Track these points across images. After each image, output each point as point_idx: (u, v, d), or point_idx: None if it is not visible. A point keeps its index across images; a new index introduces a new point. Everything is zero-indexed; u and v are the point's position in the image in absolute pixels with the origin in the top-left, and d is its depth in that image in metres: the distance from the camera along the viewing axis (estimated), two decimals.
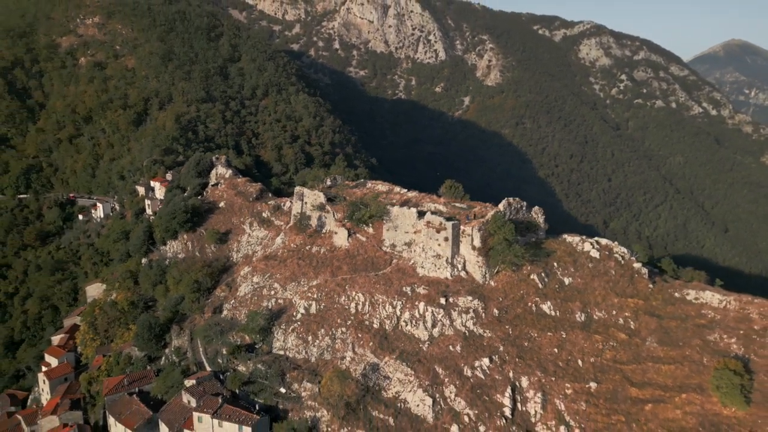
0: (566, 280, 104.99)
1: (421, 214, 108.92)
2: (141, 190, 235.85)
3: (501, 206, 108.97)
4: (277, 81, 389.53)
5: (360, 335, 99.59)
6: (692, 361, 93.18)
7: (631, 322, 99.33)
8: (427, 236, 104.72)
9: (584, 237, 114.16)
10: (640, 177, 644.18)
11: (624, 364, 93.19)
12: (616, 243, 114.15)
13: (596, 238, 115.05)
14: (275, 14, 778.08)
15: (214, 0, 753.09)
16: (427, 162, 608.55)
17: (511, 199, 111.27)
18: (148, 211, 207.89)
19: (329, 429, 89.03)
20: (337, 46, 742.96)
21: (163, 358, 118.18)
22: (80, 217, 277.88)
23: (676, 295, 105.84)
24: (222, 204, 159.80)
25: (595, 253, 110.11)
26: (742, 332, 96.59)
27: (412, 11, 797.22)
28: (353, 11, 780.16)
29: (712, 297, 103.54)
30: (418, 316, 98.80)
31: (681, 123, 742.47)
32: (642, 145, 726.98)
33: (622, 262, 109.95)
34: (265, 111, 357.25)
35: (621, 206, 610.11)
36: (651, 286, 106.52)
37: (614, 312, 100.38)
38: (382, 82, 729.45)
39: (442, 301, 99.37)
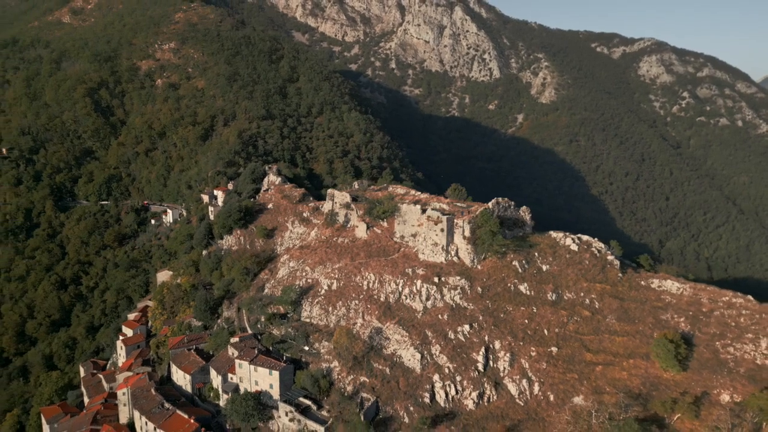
0: (544, 267, 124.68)
1: (425, 211, 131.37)
2: (205, 198, 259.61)
3: (490, 204, 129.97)
4: (332, 100, 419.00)
5: (369, 306, 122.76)
6: (643, 335, 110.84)
7: (596, 303, 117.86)
8: (428, 228, 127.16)
9: (567, 233, 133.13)
10: (701, 196, 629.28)
11: (584, 335, 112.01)
12: (595, 239, 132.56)
13: (579, 235, 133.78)
14: (335, 36, 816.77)
15: (279, 23, 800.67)
16: (478, 178, 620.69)
17: (500, 199, 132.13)
18: (211, 217, 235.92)
19: (339, 376, 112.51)
20: (393, 65, 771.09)
21: (216, 326, 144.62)
22: (152, 221, 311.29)
23: (642, 283, 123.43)
24: (270, 206, 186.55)
25: (574, 247, 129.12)
26: (691, 313, 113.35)
27: (467, 31, 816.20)
28: (410, 32, 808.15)
29: (671, 285, 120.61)
30: (415, 291, 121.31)
31: (747, 142, 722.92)
32: (704, 164, 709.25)
33: (598, 254, 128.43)
34: (319, 128, 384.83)
35: (679, 226, 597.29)
36: (620, 275, 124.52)
37: (582, 294, 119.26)
38: (436, 100, 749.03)
39: (436, 280, 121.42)
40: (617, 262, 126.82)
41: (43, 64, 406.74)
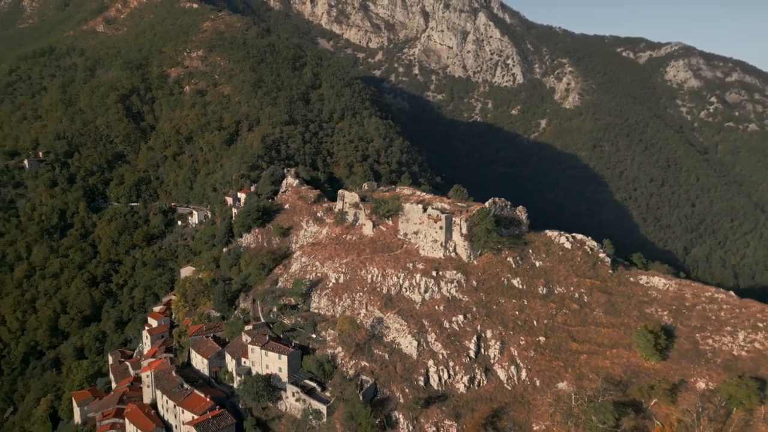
0: (537, 263, 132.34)
1: (426, 210, 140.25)
2: (229, 200, 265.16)
3: (487, 204, 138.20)
4: (353, 105, 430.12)
5: (372, 298, 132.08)
6: (628, 327, 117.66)
7: (585, 297, 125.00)
8: (428, 226, 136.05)
9: (563, 232, 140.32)
10: (728, 203, 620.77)
11: (571, 326, 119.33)
12: (589, 238, 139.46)
13: (573, 234, 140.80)
14: (360, 42, 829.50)
15: (305, 30, 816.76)
16: (500, 182, 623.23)
17: (496, 199, 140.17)
18: (234, 219, 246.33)
19: (343, 360, 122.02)
20: (416, 71, 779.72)
21: (232, 317, 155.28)
22: (179, 222, 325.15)
23: (631, 279, 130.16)
24: (287, 206, 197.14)
25: (567, 245, 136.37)
26: (674, 307, 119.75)
27: (491, 37, 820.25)
28: (433, 38, 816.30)
29: (658, 281, 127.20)
30: (415, 284, 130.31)
31: None
32: (732, 170, 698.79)
33: (590, 252, 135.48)
34: (340, 133, 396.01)
35: (705, 233, 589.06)
36: (610, 271, 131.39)
37: (572, 288, 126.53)
38: (458, 105, 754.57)
39: (434, 273, 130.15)
40: (608, 260, 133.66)
41: (78, 72, 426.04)
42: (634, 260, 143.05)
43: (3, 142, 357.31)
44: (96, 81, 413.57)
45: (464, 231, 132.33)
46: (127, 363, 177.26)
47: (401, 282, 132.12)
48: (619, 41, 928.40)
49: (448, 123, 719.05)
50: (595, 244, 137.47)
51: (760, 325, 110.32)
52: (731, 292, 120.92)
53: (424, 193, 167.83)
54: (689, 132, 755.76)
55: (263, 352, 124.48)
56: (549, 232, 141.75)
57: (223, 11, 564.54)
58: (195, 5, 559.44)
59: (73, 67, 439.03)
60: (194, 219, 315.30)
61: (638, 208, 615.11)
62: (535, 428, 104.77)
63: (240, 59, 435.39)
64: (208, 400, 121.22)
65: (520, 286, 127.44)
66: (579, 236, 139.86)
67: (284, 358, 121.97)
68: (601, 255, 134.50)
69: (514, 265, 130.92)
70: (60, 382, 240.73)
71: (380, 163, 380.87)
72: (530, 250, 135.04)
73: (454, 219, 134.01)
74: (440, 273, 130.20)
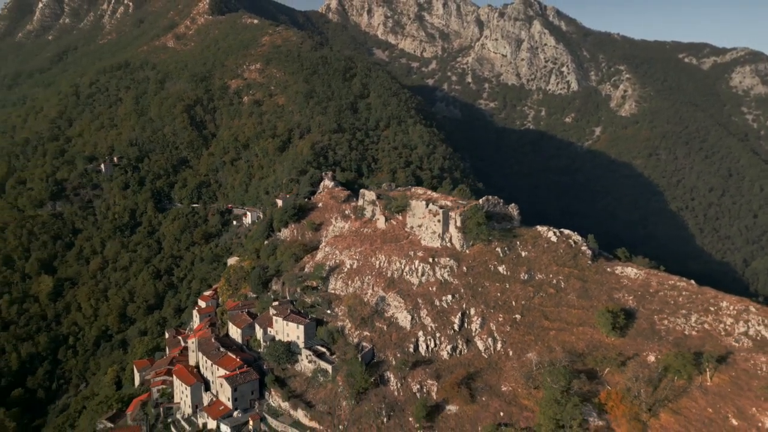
0: (523, 253, 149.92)
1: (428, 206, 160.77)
2: (279, 202, 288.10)
3: (481, 201, 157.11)
4: (398, 114, 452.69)
5: (377, 280, 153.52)
6: (596, 309, 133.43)
7: (562, 283, 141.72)
8: (429, 219, 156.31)
9: (551, 227, 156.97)
10: None
11: (545, 307, 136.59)
12: (575, 233, 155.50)
13: (561, 229, 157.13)
14: (414, 52, 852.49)
15: (361, 41, 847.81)
16: (552, 190, 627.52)
17: (489, 197, 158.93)
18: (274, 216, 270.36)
19: (349, 331, 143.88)
20: (469, 79, 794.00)
21: (264, 297, 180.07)
22: (234, 222, 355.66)
23: (608, 269, 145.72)
24: (320, 204, 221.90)
25: (554, 238, 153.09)
26: (639, 293, 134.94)
27: (545, 44, 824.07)
28: (487, 46, 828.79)
29: (631, 271, 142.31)
30: (414, 269, 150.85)
31: None
32: None
33: (573, 245, 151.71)
34: (385, 140, 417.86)
35: (767, 245, 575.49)
36: (590, 262, 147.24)
37: (551, 275, 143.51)
38: (511, 113, 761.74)
39: (431, 260, 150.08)
40: (589, 252, 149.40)
41: (150, 84, 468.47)
42: (618, 254, 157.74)
43: (83, 148, 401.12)
44: (165, 92, 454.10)
45: (458, 224, 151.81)
46: (179, 337, 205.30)
47: (403, 267, 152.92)
48: (682, 47, 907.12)
49: (500, 131, 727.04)
50: (579, 238, 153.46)
51: (711, 309, 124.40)
52: (692, 281, 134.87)
53: (434, 192, 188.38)
54: (755, 140, 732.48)
55: (285, 322, 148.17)
56: (539, 227, 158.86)
57: (280, 26, 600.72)
58: (255, 21, 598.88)
59: (145, 80, 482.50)
60: (248, 219, 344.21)
61: (695, 218, 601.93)
62: (503, 389, 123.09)
63: (294, 71, 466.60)
64: (238, 360, 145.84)
65: (505, 273, 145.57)
66: (566, 231, 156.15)
67: (301, 327, 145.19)
68: (583, 248, 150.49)
69: (501, 255, 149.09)
70: (125, 360, 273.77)
71: (422, 169, 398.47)
72: (518, 242, 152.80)
73: (450, 214, 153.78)
74: (436, 260, 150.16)
